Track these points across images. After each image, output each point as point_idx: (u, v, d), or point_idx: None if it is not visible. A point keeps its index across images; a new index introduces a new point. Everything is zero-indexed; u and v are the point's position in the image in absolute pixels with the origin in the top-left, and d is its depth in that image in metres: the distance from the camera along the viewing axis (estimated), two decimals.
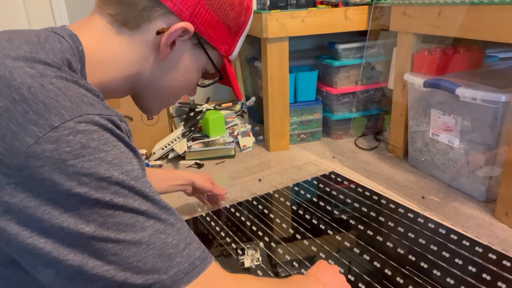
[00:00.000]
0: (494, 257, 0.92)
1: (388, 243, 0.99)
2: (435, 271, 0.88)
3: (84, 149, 0.41)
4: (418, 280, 0.86)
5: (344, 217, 1.12)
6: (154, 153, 1.63)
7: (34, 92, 0.41)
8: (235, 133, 1.76)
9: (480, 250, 0.94)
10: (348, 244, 1.00)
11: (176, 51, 0.58)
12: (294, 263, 0.94)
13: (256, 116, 2.02)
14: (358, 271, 0.90)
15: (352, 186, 1.30)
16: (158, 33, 0.55)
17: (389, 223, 1.08)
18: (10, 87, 0.41)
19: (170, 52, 0.58)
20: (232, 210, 1.18)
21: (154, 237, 0.44)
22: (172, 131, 1.74)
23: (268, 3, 1.51)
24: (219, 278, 0.49)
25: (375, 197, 1.21)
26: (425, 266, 0.90)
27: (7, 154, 0.39)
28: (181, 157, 1.62)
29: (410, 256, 0.94)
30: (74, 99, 0.43)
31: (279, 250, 0.99)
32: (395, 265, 0.91)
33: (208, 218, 1.15)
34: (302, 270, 0.91)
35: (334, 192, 1.27)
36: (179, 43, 0.58)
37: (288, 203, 1.22)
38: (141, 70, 0.59)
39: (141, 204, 0.44)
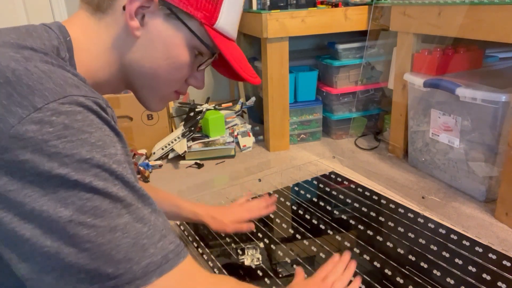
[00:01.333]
0: (494, 257, 0.92)
1: (388, 243, 0.99)
2: (435, 271, 0.88)
3: (66, 129, 0.41)
4: (418, 280, 0.86)
5: (344, 217, 1.12)
6: (154, 153, 1.63)
7: (18, 75, 0.42)
8: (235, 133, 1.76)
9: (480, 250, 0.94)
10: (348, 244, 1.00)
11: (148, 25, 0.55)
12: (294, 263, 0.94)
13: (256, 116, 2.02)
14: (358, 271, 0.89)
15: (352, 186, 1.30)
16: (124, 8, 0.53)
17: (389, 223, 1.08)
18: None
19: (143, 28, 0.55)
20: None
21: (130, 225, 0.43)
22: (172, 131, 1.74)
23: (268, 3, 1.51)
24: (192, 274, 0.48)
25: (375, 197, 1.21)
26: (425, 266, 0.90)
27: None
28: (181, 157, 1.62)
29: (410, 256, 0.94)
30: (58, 81, 0.43)
31: (279, 250, 0.99)
32: (395, 265, 0.91)
33: None
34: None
35: (334, 192, 1.27)
36: (149, 15, 0.54)
37: (288, 203, 1.22)
38: (121, 54, 0.56)
39: (120, 189, 0.43)
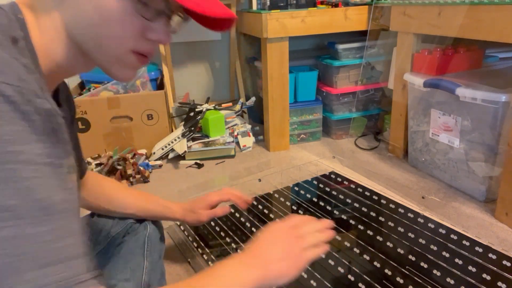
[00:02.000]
0: (494, 257, 0.92)
1: (388, 243, 0.99)
2: (435, 271, 0.88)
3: None
4: (418, 280, 0.86)
5: (344, 217, 1.12)
6: (154, 153, 1.63)
7: None
8: (235, 133, 1.76)
9: (480, 250, 0.94)
10: (348, 244, 1.00)
11: None
12: None
13: (256, 116, 2.02)
14: (358, 271, 0.90)
15: (352, 186, 1.30)
16: None
17: (389, 223, 1.08)
18: None
19: None
20: (232, 210, 1.18)
21: (7, 242, 0.36)
22: (172, 131, 1.74)
23: (268, 3, 1.51)
24: None
25: (375, 197, 1.21)
26: (425, 266, 0.90)
27: None
28: (181, 157, 1.62)
29: (410, 256, 0.94)
30: None
31: None
32: (395, 265, 0.91)
33: None
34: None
35: (334, 192, 1.27)
36: None
37: (288, 203, 1.22)
38: (59, 18, 0.50)
39: (11, 196, 0.36)
